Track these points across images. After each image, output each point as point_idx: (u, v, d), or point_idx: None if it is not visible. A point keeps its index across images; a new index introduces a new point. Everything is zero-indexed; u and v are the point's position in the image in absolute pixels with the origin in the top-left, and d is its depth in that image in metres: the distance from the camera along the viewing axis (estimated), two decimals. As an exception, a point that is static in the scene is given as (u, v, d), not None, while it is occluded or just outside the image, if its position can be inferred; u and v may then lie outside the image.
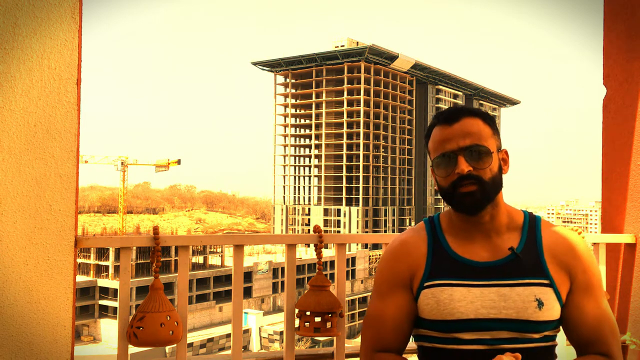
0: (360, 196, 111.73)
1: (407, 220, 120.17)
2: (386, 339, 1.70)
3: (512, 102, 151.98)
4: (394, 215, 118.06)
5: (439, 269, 1.67)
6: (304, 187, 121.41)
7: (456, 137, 1.62)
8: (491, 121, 1.68)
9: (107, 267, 71.40)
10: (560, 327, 1.69)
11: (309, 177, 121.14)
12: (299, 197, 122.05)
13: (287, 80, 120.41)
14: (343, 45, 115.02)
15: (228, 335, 56.26)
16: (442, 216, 1.77)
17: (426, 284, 1.66)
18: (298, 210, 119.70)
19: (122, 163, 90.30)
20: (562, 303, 1.63)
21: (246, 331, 59.12)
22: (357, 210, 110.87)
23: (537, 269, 1.63)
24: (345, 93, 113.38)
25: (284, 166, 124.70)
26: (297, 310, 2.36)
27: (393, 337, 1.69)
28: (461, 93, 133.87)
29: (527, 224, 1.71)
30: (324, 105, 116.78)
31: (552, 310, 1.60)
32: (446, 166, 1.63)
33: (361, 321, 1.81)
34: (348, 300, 79.87)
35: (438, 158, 1.64)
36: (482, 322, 1.59)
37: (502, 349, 1.57)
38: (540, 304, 1.58)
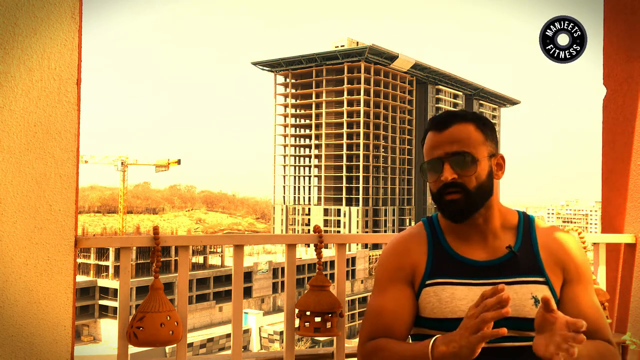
0: (360, 196, 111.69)
1: (407, 220, 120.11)
2: (384, 332, 1.67)
3: (512, 102, 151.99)
4: (394, 215, 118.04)
5: (440, 267, 1.68)
6: (304, 187, 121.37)
7: (444, 143, 1.64)
8: (485, 126, 1.68)
9: (107, 267, 71.40)
10: None
11: (309, 177, 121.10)
12: (299, 197, 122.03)
13: (287, 80, 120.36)
14: (343, 45, 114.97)
15: (228, 335, 56.20)
16: (441, 216, 1.78)
17: (427, 282, 1.67)
18: (298, 210, 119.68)
19: (122, 163, 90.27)
20: (557, 300, 1.66)
21: (246, 331, 59.13)
22: (357, 210, 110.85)
23: (533, 267, 1.66)
24: (345, 93, 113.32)
25: (284, 166, 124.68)
26: (297, 310, 2.36)
27: (391, 331, 1.67)
28: (461, 93, 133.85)
29: (522, 224, 1.74)
30: (324, 105, 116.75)
31: None
32: (433, 172, 1.66)
33: (361, 321, 1.80)
34: (348, 300, 79.84)
35: (426, 164, 1.68)
36: None
37: (501, 348, 1.59)
38: (536, 301, 1.61)
